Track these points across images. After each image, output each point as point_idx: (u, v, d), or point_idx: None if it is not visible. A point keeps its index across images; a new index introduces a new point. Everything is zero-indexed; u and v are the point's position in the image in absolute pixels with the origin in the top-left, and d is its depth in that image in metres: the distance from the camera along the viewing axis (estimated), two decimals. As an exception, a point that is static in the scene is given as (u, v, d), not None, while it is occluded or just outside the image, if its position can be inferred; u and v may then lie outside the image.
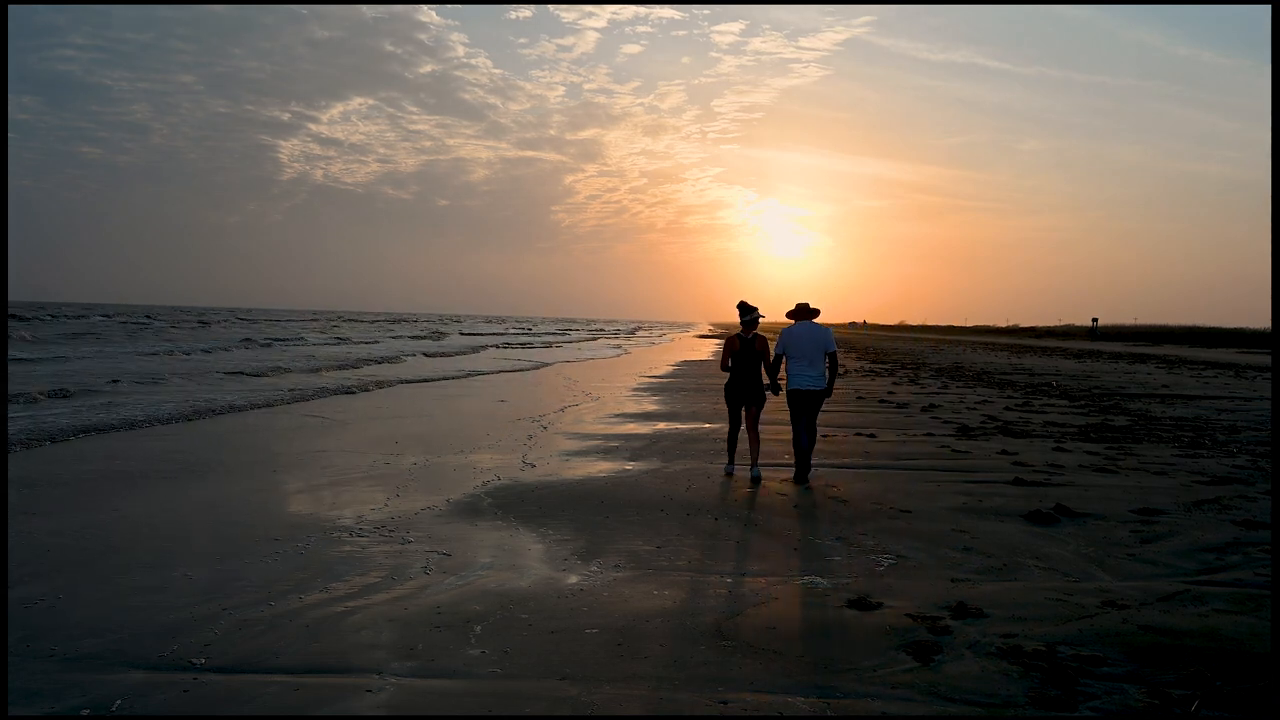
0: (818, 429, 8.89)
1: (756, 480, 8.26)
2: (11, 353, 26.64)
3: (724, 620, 4.45)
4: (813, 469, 8.55)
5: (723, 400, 9.10)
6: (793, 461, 8.53)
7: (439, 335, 55.57)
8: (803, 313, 8.58)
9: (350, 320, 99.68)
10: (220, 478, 8.36)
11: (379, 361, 27.93)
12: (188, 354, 29.08)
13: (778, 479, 8.35)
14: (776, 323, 9.28)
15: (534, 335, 64.86)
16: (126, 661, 3.93)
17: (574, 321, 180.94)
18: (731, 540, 6.13)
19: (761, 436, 8.89)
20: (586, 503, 7.32)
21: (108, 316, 77.35)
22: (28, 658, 3.97)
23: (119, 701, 3.54)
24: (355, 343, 41.68)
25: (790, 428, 8.57)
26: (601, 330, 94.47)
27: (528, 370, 26.89)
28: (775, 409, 10.02)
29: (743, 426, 8.74)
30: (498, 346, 43.05)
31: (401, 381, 20.64)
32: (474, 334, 63.51)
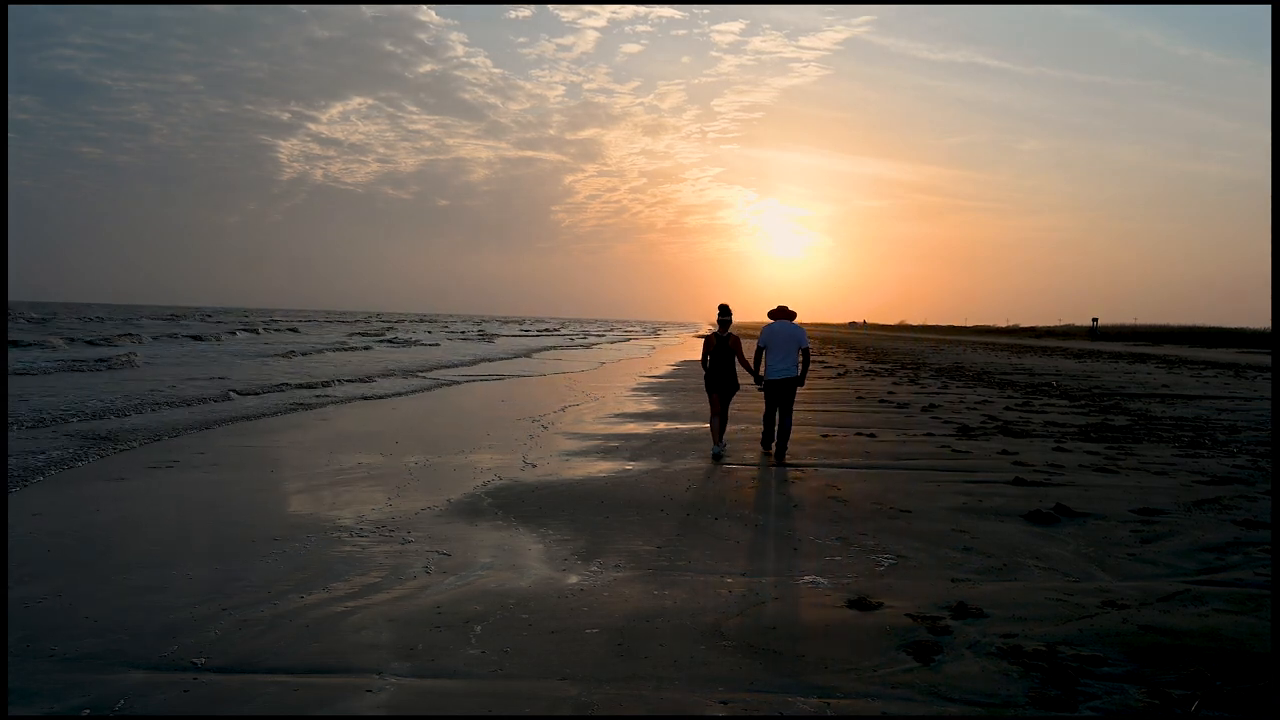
0: (793, 423, 9.80)
1: (717, 458, 9.53)
2: (164, 352, 28.96)
3: (724, 620, 4.45)
4: (814, 468, 8.83)
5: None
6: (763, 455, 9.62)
7: (491, 337, 55.81)
8: (782, 313, 9.89)
9: (386, 321, 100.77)
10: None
11: (451, 365, 28.84)
12: (305, 354, 30.46)
13: (782, 476, 8.37)
14: (762, 321, 10.33)
15: (581, 337, 64.86)
16: (126, 661, 3.94)
17: (577, 322, 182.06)
18: (731, 540, 6.13)
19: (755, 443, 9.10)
20: (587, 503, 7.32)
21: (174, 318, 79.27)
22: (28, 658, 3.98)
23: (120, 701, 3.54)
24: (427, 345, 42.14)
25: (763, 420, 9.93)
26: (631, 330, 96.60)
27: (594, 369, 28.05)
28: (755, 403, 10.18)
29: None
30: (547, 349, 43.21)
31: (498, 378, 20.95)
32: (511, 336, 63.95)
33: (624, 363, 32.27)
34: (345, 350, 34.07)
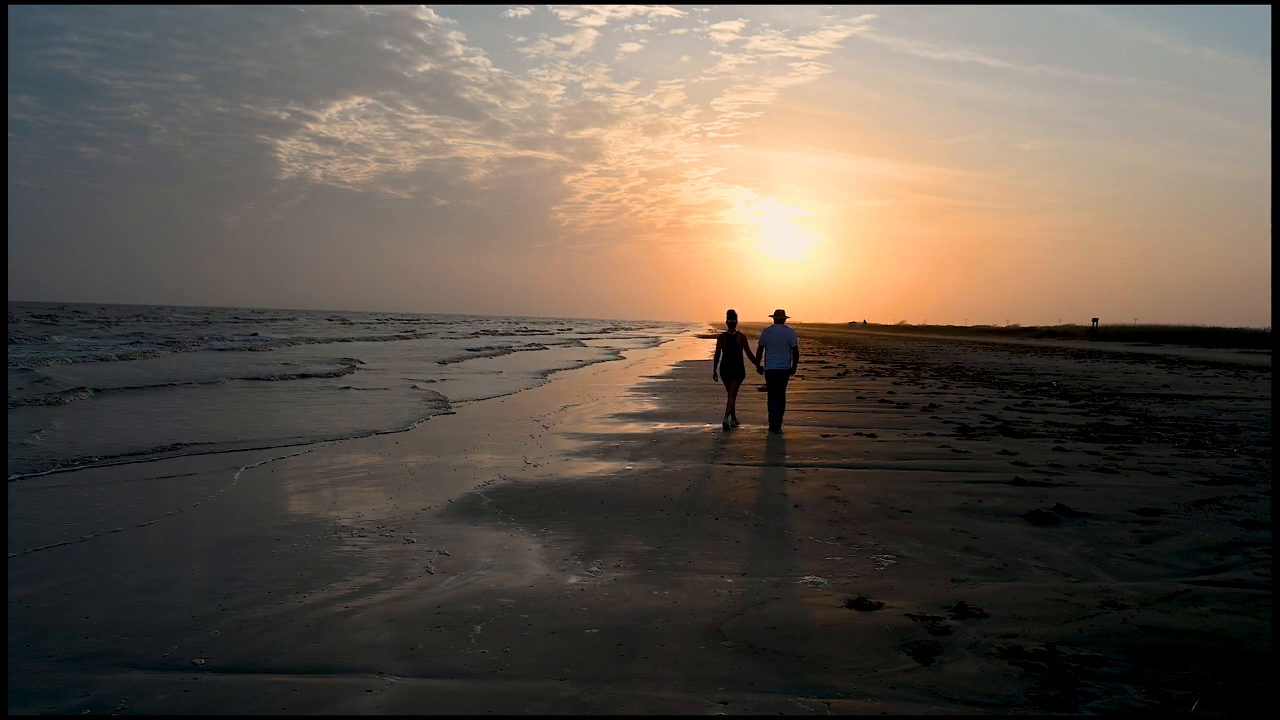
0: (793, 422, 11.75)
1: (731, 426, 12.29)
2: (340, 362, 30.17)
3: (724, 620, 4.45)
4: (814, 468, 8.87)
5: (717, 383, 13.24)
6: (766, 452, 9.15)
7: (572, 343, 57.64)
8: (779, 317, 12.66)
9: (429, 321, 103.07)
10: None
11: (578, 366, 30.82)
12: (493, 355, 35.21)
13: (782, 476, 8.37)
14: (762, 322, 13.17)
15: (651, 338, 68.46)
16: (127, 661, 3.94)
17: (579, 322, 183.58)
18: (731, 540, 6.13)
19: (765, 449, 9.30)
20: (587, 503, 7.32)
21: (237, 319, 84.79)
22: (28, 658, 3.98)
23: (120, 701, 3.54)
24: (535, 351, 43.59)
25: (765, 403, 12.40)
26: (660, 330, 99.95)
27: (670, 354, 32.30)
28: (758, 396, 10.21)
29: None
30: (628, 349, 46.28)
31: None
32: (590, 335, 67.92)
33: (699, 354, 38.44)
34: (496, 354, 37.40)
